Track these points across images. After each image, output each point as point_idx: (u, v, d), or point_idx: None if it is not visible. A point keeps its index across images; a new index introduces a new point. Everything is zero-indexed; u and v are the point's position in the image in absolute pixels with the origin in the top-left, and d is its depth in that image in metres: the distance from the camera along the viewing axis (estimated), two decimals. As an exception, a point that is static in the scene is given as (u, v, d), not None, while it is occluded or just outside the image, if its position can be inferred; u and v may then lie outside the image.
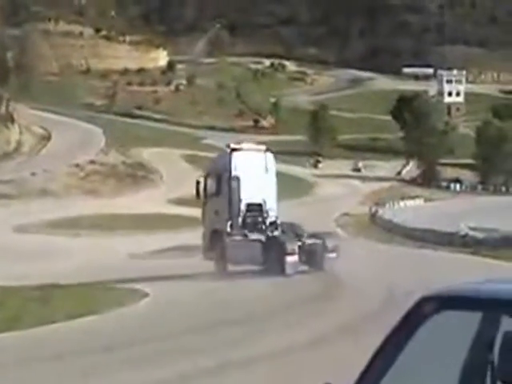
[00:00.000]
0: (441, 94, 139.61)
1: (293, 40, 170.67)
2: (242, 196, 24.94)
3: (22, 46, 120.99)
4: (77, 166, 74.44)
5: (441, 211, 58.58)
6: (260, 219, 25.30)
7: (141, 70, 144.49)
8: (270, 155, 26.40)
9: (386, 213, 59.62)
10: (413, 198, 76.37)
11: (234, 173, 24.78)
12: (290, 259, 24.10)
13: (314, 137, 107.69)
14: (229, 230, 25.22)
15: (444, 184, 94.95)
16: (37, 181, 66.29)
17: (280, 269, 24.22)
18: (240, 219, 25.15)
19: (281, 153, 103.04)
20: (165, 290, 27.66)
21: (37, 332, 19.19)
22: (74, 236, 47.82)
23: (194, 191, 27.00)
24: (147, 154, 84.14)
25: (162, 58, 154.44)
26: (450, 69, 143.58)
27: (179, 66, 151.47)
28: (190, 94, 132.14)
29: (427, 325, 2.84)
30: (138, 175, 75.29)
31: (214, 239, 25.79)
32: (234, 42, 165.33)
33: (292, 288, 24.39)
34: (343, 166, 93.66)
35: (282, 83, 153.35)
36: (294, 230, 25.69)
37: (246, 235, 25.29)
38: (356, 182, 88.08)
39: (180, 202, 61.49)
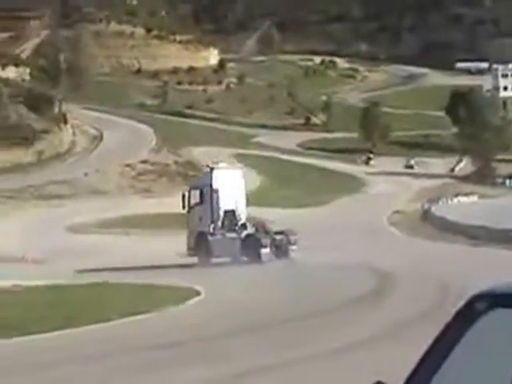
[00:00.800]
0: (496, 88, 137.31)
1: (344, 37, 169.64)
2: (221, 204, 31.63)
3: (74, 47, 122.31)
4: (128, 165, 74.83)
5: (496, 208, 57.60)
6: (234, 222, 31.99)
7: (191, 69, 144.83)
8: (240, 172, 34.12)
9: (438, 210, 58.82)
10: (467, 194, 75.27)
11: (214, 186, 31.53)
12: (264, 251, 30.89)
13: (366, 134, 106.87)
14: (212, 230, 31.84)
15: (499, 180, 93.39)
16: (89, 181, 66.84)
17: (257, 259, 30.77)
18: (219, 222, 31.93)
19: (332, 150, 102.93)
20: (215, 288, 27.66)
21: (92, 330, 19.32)
22: (126, 235, 48.09)
23: (181, 202, 33.19)
24: (198, 153, 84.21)
25: (212, 56, 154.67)
26: (505, 63, 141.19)
27: (230, 65, 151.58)
28: (240, 92, 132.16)
29: (480, 323, 2.75)
30: (189, 174, 75.37)
31: (200, 239, 32.10)
32: (284, 40, 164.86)
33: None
34: (395, 163, 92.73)
35: (333, 80, 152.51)
36: (264, 229, 32.63)
37: (224, 234, 31.89)
38: (408, 179, 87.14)
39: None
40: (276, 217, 53.26)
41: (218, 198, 31.64)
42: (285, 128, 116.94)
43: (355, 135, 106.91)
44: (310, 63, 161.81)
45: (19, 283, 28.08)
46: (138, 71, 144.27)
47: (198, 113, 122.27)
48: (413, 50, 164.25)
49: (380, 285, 27.66)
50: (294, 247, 31.81)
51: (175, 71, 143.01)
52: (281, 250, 31.62)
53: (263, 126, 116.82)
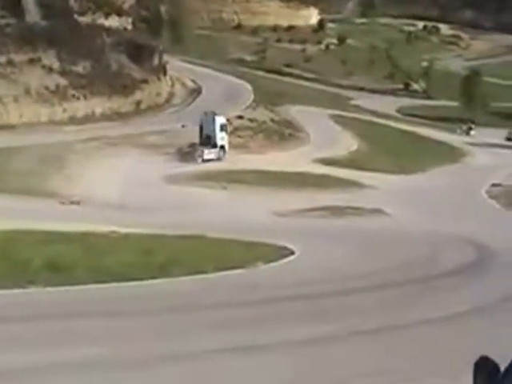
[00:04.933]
0: None
1: (448, 2, 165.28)
2: (204, 131, 60.19)
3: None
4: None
5: None
6: (209, 140, 59.92)
7: (291, 28, 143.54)
8: (220, 117, 62.45)
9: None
10: None
11: (200, 123, 61.05)
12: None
13: (467, 103, 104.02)
14: (198, 143, 60.07)
15: None
16: (187, 132, 66.84)
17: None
18: (202, 140, 59.85)
19: (432, 118, 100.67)
20: (310, 249, 27.32)
21: (187, 281, 19.22)
22: (221, 189, 48.11)
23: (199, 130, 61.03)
24: (295, 112, 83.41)
25: (313, 16, 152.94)
26: None
27: (330, 25, 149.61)
28: (340, 53, 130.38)
29: None
30: (285, 133, 74.79)
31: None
32: (386, 4, 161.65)
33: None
34: (496, 135, 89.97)
35: (436, 47, 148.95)
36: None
37: (203, 145, 59.73)
38: (510, 152, 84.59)
39: (327, 161, 60.81)
40: (377, 183, 52.51)
41: (201, 128, 60.41)
42: (384, 92, 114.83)
43: (456, 103, 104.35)
44: (412, 28, 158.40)
45: (117, 229, 28.26)
46: (238, 27, 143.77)
47: (297, 71, 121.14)
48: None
49: (478, 257, 26.93)
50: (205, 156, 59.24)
51: (275, 29, 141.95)
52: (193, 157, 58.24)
53: (362, 89, 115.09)
